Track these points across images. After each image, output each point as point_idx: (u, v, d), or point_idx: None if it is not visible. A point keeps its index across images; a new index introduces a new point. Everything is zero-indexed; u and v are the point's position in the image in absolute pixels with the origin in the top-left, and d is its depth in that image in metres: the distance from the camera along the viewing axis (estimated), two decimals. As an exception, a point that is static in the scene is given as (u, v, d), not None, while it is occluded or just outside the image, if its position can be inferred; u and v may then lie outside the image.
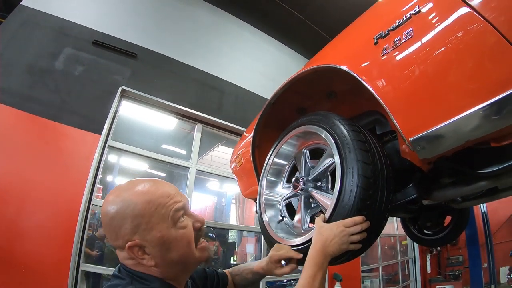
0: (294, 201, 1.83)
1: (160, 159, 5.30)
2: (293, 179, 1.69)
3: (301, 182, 1.64)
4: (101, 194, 6.22)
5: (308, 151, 1.81)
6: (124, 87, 5.06)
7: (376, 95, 1.32)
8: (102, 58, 5.09)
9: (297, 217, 1.69)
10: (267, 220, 1.84)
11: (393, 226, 9.75)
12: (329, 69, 1.60)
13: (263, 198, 1.93)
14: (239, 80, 6.85)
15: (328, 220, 1.34)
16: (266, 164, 2.00)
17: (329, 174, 1.59)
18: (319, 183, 1.65)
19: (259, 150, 2.32)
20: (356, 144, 1.35)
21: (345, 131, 1.41)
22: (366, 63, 1.44)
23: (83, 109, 4.61)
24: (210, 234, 7.61)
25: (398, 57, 1.28)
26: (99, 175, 4.56)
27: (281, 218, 1.86)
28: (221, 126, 6.26)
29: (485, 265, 8.44)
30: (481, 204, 8.08)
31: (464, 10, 1.09)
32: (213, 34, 6.92)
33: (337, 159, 1.39)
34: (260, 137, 2.24)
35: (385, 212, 1.35)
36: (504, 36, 0.99)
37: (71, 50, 4.81)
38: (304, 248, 1.40)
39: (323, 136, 1.53)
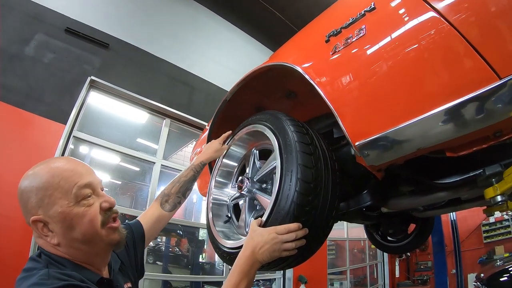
0: (241, 201, 1.78)
1: (125, 152, 5.14)
2: (238, 180, 1.65)
3: (246, 183, 1.59)
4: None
5: (257, 152, 1.75)
6: (93, 77, 4.88)
7: (322, 94, 1.27)
8: (73, 46, 4.91)
9: (241, 219, 1.65)
10: (212, 218, 1.78)
11: (363, 230, 9.76)
12: (282, 67, 1.54)
13: (211, 197, 1.87)
14: (211, 76, 6.73)
15: (265, 225, 1.26)
16: (215, 166, 1.95)
17: (273, 176, 1.49)
18: (264, 185, 1.60)
19: None
20: (299, 146, 1.27)
21: (289, 132, 1.34)
22: (315, 62, 1.40)
23: (50, 97, 4.43)
24: (178, 231, 7.50)
25: (347, 56, 1.24)
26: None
27: (227, 218, 1.81)
28: (190, 123, 6.14)
29: (453, 271, 8.63)
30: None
31: (422, 8, 1.03)
32: (188, 28, 6.78)
33: (278, 161, 1.32)
34: (215, 134, 2.12)
35: (328, 219, 1.29)
36: (465, 37, 0.94)
37: (43, 36, 4.63)
38: (236, 253, 1.33)
39: (269, 137, 1.47)
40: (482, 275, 4.72)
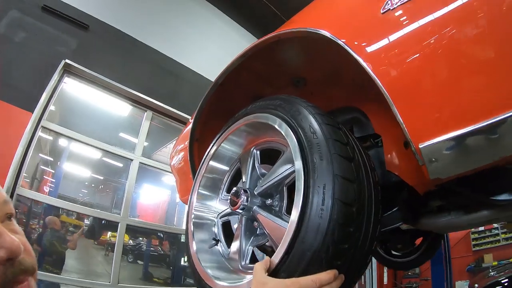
0: (233, 220, 1.40)
1: (100, 147, 4.69)
2: (232, 191, 1.23)
3: (243, 197, 1.16)
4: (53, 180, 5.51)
5: (258, 152, 1.36)
6: (68, 61, 4.45)
7: (372, 73, 0.94)
8: (49, 26, 4.51)
9: (234, 246, 1.24)
10: (194, 246, 1.34)
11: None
12: (299, 36, 1.22)
13: (193, 215, 1.44)
14: (200, 67, 6.29)
15: (275, 271, 0.88)
16: (198, 172, 1.53)
17: (285, 189, 1.14)
18: (269, 201, 1.20)
19: (199, 145, 1.85)
20: (334, 146, 0.91)
21: (316, 125, 0.97)
22: (357, 24, 1.08)
23: (18, 81, 4.04)
24: (159, 234, 7.25)
25: (411, 15, 0.93)
26: (28, 160, 3.91)
27: (215, 242, 1.39)
28: (173, 116, 5.69)
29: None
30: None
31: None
32: (179, 15, 6.35)
33: (299, 167, 0.95)
34: (201, 128, 1.80)
35: (368, 254, 0.95)
36: None
37: (17, 13, 4.25)
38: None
39: (281, 130, 1.09)
40: (476, 285, 4.43)
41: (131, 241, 7.86)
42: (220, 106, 1.75)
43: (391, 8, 0.95)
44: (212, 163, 1.50)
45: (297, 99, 1.16)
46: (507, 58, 0.78)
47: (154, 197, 9.34)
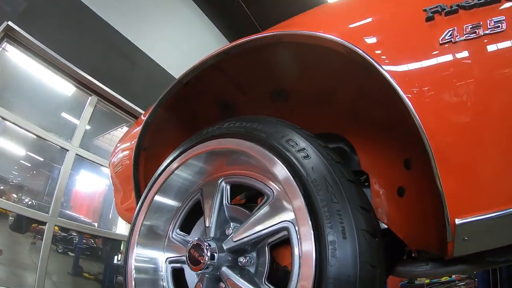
0: (189, 272, 1.18)
1: (34, 132, 4.13)
2: (191, 244, 1.00)
3: (208, 254, 0.94)
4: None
5: (229, 187, 1.13)
6: (11, 24, 3.85)
7: (420, 123, 0.80)
8: None
9: None
10: None
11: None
12: (305, 42, 1.03)
13: (133, 265, 1.20)
14: (160, 57, 5.87)
15: None
16: (137, 217, 1.27)
17: (267, 249, 0.95)
18: (242, 259, 0.97)
19: (146, 156, 1.55)
20: (351, 195, 0.81)
21: (326, 166, 0.85)
22: (405, 52, 0.91)
23: None
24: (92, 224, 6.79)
25: (475, 56, 0.82)
26: None
27: None
28: (121, 105, 5.19)
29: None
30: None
31: None
32: (147, -4, 5.91)
33: (306, 225, 0.80)
34: (153, 135, 1.49)
35: None
36: None
37: None
38: None
39: (270, 167, 0.93)
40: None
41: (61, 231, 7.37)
42: (180, 110, 1.49)
43: (452, 41, 0.82)
44: (158, 198, 1.25)
45: (288, 124, 1.00)
46: None
47: (91, 186, 8.73)
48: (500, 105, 0.80)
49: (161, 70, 5.80)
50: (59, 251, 7.07)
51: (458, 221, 0.77)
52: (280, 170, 0.89)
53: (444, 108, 0.82)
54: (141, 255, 1.23)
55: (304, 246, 0.78)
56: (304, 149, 0.88)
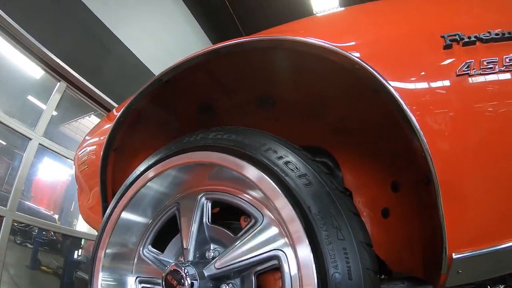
0: None
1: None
2: (168, 269, 0.91)
3: (188, 282, 0.85)
4: None
5: (210, 205, 1.04)
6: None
7: (427, 144, 0.79)
8: None
9: None
10: None
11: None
12: (311, 51, 0.95)
13: None
14: (137, 47, 5.64)
15: None
16: (102, 234, 1.17)
17: (253, 278, 0.87)
18: (225, 286, 0.91)
19: (116, 158, 1.41)
20: (356, 230, 0.77)
21: (330, 196, 0.79)
22: (418, 74, 0.88)
23: None
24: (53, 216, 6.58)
25: (490, 92, 0.83)
26: None
27: None
28: (91, 95, 4.97)
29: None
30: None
31: None
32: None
33: (305, 259, 0.74)
34: (125, 134, 1.35)
35: None
36: None
37: None
38: None
39: (267, 193, 0.84)
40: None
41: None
42: (157, 110, 1.37)
43: (469, 74, 0.81)
44: (124, 215, 1.14)
45: (284, 141, 0.93)
46: None
47: (53, 176, 8.36)
48: (506, 146, 0.81)
49: (137, 62, 5.61)
50: (17, 242, 6.77)
51: (455, 255, 0.78)
52: (279, 199, 0.81)
53: (456, 141, 0.82)
54: (107, 279, 1.14)
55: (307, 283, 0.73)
56: (305, 175, 0.81)
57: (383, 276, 1.32)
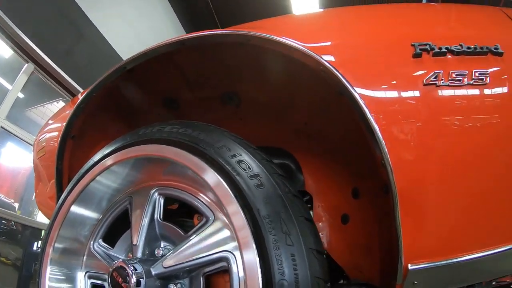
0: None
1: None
2: (114, 265, 0.89)
3: (133, 280, 0.83)
4: None
5: (163, 200, 1.01)
6: None
7: (387, 152, 0.78)
8: None
9: None
10: None
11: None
12: (280, 50, 0.95)
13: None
14: (111, 34, 5.50)
15: None
16: (50, 229, 1.13)
17: (202, 279, 0.85)
18: (173, 286, 0.88)
19: (74, 146, 1.36)
20: (307, 236, 0.75)
21: (281, 199, 0.77)
22: (384, 81, 0.88)
23: None
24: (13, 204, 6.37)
25: (455, 105, 0.84)
26: None
27: None
28: (59, 79, 4.80)
29: None
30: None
31: None
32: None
33: (251, 262, 0.72)
34: (84, 121, 1.30)
35: None
36: None
37: None
38: None
39: (216, 191, 0.83)
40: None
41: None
42: (119, 99, 1.33)
43: (436, 84, 0.81)
44: (74, 209, 1.11)
45: (239, 139, 0.91)
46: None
47: (15, 162, 8.05)
48: (468, 159, 0.82)
49: (110, 50, 5.46)
50: (-26, 230, 6.54)
51: (411, 266, 0.77)
52: (228, 199, 0.79)
53: (418, 152, 0.82)
54: (55, 273, 1.11)
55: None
56: (257, 175, 0.79)
57: (341, 281, 1.32)
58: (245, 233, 0.74)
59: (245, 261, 0.72)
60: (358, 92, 0.81)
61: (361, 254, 1.05)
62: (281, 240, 0.71)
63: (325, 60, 0.85)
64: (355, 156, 1.07)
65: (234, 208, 0.78)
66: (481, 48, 0.85)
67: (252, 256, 0.71)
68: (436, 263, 0.78)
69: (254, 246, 0.72)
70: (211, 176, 0.83)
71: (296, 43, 0.89)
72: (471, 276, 0.85)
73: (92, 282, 1.10)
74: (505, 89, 0.84)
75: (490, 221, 0.82)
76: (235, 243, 0.77)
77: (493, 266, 0.82)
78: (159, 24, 6.85)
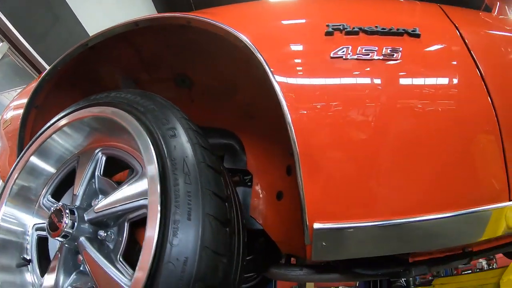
0: (52, 242, 1.16)
1: None
2: (54, 207, 0.97)
3: (67, 222, 0.91)
4: None
5: (104, 159, 1.10)
6: None
7: (289, 116, 0.83)
8: None
9: (49, 280, 1.00)
10: None
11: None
12: (212, 30, 1.01)
13: None
14: (87, 19, 5.38)
15: None
16: (10, 174, 1.20)
17: (126, 225, 0.92)
18: (103, 233, 0.95)
19: (37, 116, 1.41)
20: (206, 180, 0.79)
21: (189, 148, 0.83)
22: (294, 56, 0.96)
23: None
24: None
25: (361, 75, 0.89)
26: None
27: (24, 261, 1.13)
28: (32, 61, 4.70)
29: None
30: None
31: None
32: None
33: (154, 200, 0.77)
34: (48, 93, 1.35)
35: None
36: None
37: None
38: None
39: (138, 141, 0.88)
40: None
41: None
42: (82, 74, 1.38)
43: (343, 58, 0.86)
44: (33, 159, 1.19)
45: (169, 103, 0.98)
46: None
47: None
48: (366, 126, 0.85)
49: (84, 35, 5.13)
50: None
51: (316, 225, 0.79)
52: (144, 143, 0.86)
53: (318, 116, 0.85)
54: (8, 215, 1.17)
55: (151, 222, 0.76)
56: (173, 128, 0.86)
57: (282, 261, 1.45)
58: (153, 170, 0.80)
59: (151, 200, 0.78)
60: (269, 62, 0.86)
61: (291, 228, 1.08)
62: (181, 179, 0.77)
63: (245, 37, 0.91)
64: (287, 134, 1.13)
65: (148, 151, 0.84)
66: (397, 29, 0.90)
67: (156, 195, 0.77)
68: (342, 225, 0.79)
69: (158, 185, 0.77)
70: (135, 127, 0.91)
71: (222, 24, 0.95)
72: (379, 247, 0.83)
73: (38, 234, 1.17)
74: (417, 66, 0.90)
75: (396, 190, 0.84)
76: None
77: (401, 238, 0.82)
78: (136, 11, 6.65)
